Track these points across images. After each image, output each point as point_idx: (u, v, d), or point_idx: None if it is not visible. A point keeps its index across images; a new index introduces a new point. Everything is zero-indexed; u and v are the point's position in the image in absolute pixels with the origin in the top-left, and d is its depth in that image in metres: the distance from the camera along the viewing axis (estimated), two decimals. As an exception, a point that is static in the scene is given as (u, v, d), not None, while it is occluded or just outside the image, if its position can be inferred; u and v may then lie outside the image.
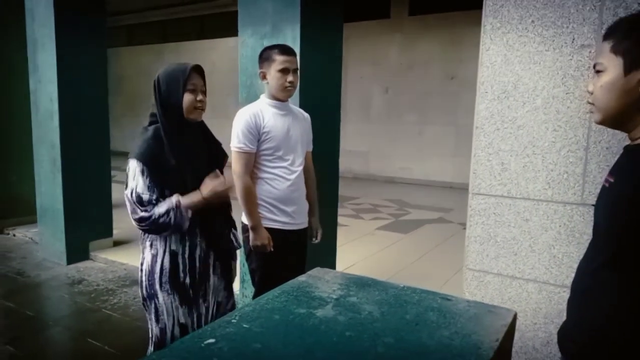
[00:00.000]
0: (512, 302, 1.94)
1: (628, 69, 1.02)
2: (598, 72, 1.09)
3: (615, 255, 1.05)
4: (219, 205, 1.88)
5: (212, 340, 1.13)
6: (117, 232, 4.81)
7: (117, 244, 4.71)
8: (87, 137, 4.33)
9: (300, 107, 2.62)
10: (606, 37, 1.08)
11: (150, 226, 1.69)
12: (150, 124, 1.80)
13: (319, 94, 3.09)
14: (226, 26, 10.63)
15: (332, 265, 3.50)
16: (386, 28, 9.39)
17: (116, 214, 4.81)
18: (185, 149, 1.77)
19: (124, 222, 5.33)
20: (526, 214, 1.88)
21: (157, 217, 1.67)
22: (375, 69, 9.61)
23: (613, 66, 1.05)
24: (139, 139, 1.77)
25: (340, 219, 4.30)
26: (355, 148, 9.82)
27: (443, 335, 1.19)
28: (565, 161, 1.79)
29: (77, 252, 4.34)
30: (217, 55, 11.09)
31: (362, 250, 4.77)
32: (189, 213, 1.73)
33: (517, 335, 1.94)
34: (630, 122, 1.06)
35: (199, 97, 1.77)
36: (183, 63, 1.80)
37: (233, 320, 1.25)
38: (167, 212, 1.68)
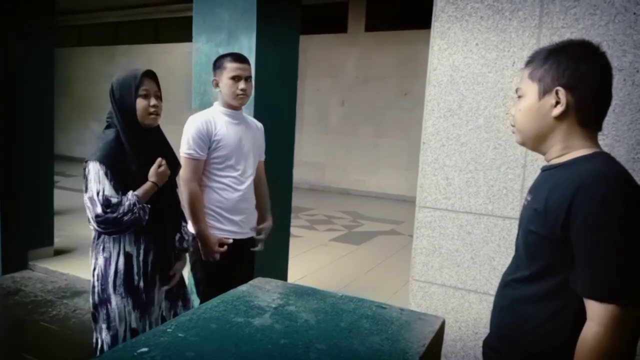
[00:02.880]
0: (455, 312, 2.02)
1: (542, 95, 1.11)
2: (519, 97, 1.17)
3: (531, 268, 1.12)
4: (170, 207, 1.93)
5: (144, 349, 1.12)
6: (59, 240, 4.59)
7: (58, 253, 4.49)
8: (28, 140, 4.12)
9: (255, 116, 2.62)
10: (526, 64, 1.17)
11: (116, 226, 1.70)
12: (108, 126, 1.82)
13: (274, 104, 3.10)
14: (181, 31, 10.46)
15: (284, 276, 3.49)
16: (343, 42, 9.56)
17: (58, 222, 4.59)
18: (145, 155, 1.80)
19: (66, 230, 5.12)
20: (468, 227, 1.96)
21: (122, 215, 1.69)
22: (332, 82, 9.73)
23: (530, 92, 1.13)
24: (99, 141, 1.79)
25: (294, 230, 4.31)
26: (312, 159, 9.87)
27: (374, 341, 1.24)
28: (505, 177, 1.89)
29: (13, 261, 4.10)
30: (171, 60, 10.86)
31: (314, 261, 4.79)
32: (147, 208, 1.77)
33: (459, 344, 2.02)
34: (546, 144, 1.14)
35: (152, 102, 1.79)
36: (135, 69, 1.82)
37: (168, 330, 1.24)
38: (131, 209, 1.70)
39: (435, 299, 2.05)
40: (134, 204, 1.71)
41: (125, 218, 1.69)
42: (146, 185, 1.79)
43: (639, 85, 1.65)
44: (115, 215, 1.68)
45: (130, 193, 1.73)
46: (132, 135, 1.78)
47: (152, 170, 1.81)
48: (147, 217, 1.76)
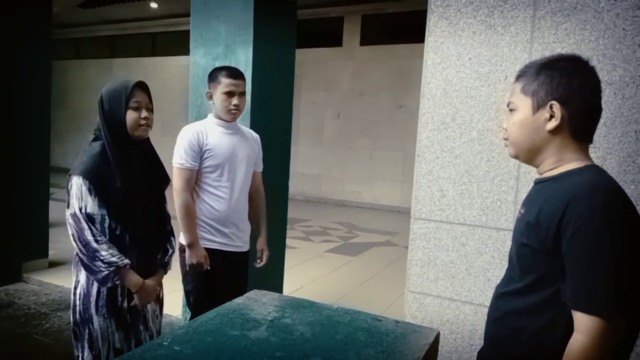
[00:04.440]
0: (450, 324, 2.02)
1: (536, 109, 1.12)
2: (511, 110, 1.18)
3: (523, 280, 1.13)
4: (157, 226, 1.88)
5: None
6: (54, 252, 4.56)
7: (53, 265, 4.46)
8: (25, 151, 4.11)
9: (251, 128, 2.64)
10: (518, 78, 1.18)
11: (89, 259, 1.64)
12: (95, 139, 1.76)
13: (270, 116, 3.12)
14: (178, 44, 10.53)
15: (280, 288, 3.48)
16: (339, 56, 9.65)
17: (53, 234, 4.56)
18: (130, 169, 1.74)
19: (61, 242, 5.08)
20: (463, 239, 1.98)
21: (101, 257, 1.62)
22: (327, 95, 9.80)
23: (523, 105, 1.14)
24: (84, 154, 1.72)
25: (289, 241, 4.30)
26: (307, 171, 9.89)
27: (369, 354, 1.24)
28: (498, 189, 1.91)
29: (7, 273, 4.06)
30: (168, 73, 10.93)
31: (310, 273, 4.78)
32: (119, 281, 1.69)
33: (454, 356, 2.02)
34: (539, 157, 1.16)
35: (143, 114, 1.74)
36: (126, 79, 1.77)
37: (164, 343, 1.23)
38: (108, 267, 1.63)
39: (431, 311, 2.06)
40: (113, 270, 1.64)
41: (96, 264, 1.62)
42: (133, 279, 1.71)
43: (629, 99, 1.68)
44: (96, 249, 1.62)
45: (124, 262, 1.65)
46: (118, 148, 1.71)
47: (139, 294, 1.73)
48: (109, 284, 1.68)
